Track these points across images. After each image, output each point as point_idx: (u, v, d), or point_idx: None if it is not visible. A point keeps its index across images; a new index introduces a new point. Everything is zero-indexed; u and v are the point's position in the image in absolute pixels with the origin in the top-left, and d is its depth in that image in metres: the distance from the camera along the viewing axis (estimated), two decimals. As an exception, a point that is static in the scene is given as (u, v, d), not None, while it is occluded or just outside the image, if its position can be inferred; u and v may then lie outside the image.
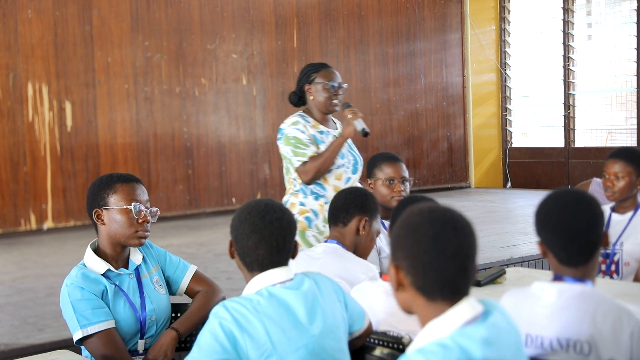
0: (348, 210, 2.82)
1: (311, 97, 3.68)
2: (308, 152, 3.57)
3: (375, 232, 2.88)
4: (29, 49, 7.45)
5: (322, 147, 3.61)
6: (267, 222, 1.95)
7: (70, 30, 7.68)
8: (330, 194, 3.53)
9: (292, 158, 3.60)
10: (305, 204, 3.55)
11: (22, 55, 7.42)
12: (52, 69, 7.56)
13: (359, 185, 3.64)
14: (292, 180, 3.66)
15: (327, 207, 3.21)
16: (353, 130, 3.55)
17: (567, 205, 1.90)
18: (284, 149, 3.63)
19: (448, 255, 1.49)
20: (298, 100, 3.75)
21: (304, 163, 3.56)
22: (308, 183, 3.57)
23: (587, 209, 1.90)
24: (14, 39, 7.38)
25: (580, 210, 1.89)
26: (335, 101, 3.67)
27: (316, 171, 3.54)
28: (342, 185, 3.58)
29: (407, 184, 3.41)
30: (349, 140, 3.72)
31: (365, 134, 3.53)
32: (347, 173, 3.64)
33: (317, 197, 3.58)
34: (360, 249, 2.85)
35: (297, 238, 3.51)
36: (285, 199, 3.69)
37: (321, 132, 3.67)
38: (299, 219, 3.53)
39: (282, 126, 3.69)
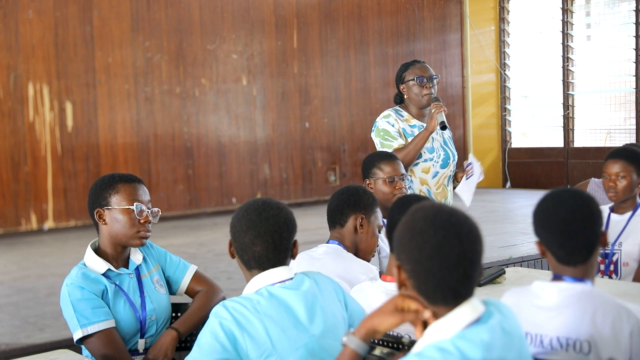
0: (342, 210, 2.82)
1: (406, 96, 3.86)
2: (394, 144, 3.74)
3: (377, 227, 2.87)
4: (29, 50, 7.45)
5: (410, 140, 3.78)
6: (263, 219, 1.97)
7: (71, 30, 7.68)
8: (417, 185, 3.73)
9: (379, 149, 3.76)
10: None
11: (23, 55, 7.43)
12: (52, 70, 7.57)
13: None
14: None
15: None
16: (437, 124, 3.68)
17: (565, 203, 1.91)
18: (375, 140, 3.83)
19: (451, 264, 1.47)
20: (401, 100, 3.92)
21: None
22: None
23: (584, 206, 1.91)
24: (14, 39, 7.38)
25: (577, 208, 1.90)
26: (426, 92, 3.80)
27: None
28: (429, 179, 3.75)
29: (406, 180, 3.43)
30: (446, 136, 3.88)
31: (443, 126, 3.67)
32: (435, 167, 3.77)
33: None
34: (362, 247, 2.84)
35: None
36: None
37: (412, 126, 3.82)
38: None
39: (376, 119, 3.89)
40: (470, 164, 3.80)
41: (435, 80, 3.84)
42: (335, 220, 2.84)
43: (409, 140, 3.76)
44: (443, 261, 1.47)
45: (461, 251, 1.48)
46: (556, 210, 1.90)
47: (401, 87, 3.88)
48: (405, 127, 3.80)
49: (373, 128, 3.88)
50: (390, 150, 3.71)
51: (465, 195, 3.80)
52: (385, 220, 3.32)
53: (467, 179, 3.76)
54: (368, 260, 2.89)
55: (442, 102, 3.77)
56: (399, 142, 3.74)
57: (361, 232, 2.81)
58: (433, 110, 3.70)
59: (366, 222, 2.81)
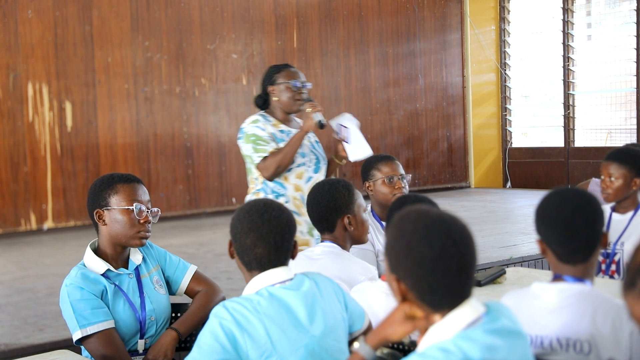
0: (327, 218, 2.77)
1: (275, 98, 3.64)
2: (268, 148, 3.52)
3: (363, 212, 2.84)
4: (29, 49, 7.45)
5: (282, 145, 3.56)
6: (265, 220, 1.96)
7: (71, 30, 7.68)
8: (291, 192, 3.53)
9: (252, 155, 3.55)
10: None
11: (23, 55, 7.42)
12: (52, 69, 7.56)
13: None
14: (254, 180, 3.63)
15: (287, 205, 3.15)
16: (313, 124, 3.49)
17: (567, 201, 1.91)
18: (245, 147, 3.59)
19: (454, 272, 1.47)
20: (263, 103, 3.70)
21: (265, 159, 3.52)
22: (270, 179, 3.53)
23: (586, 205, 1.91)
24: (14, 39, 7.38)
25: (579, 207, 1.90)
26: (299, 101, 3.62)
27: (277, 166, 3.49)
28: (303, 184, 3.56)
29: (405, 180, 3.42)
30: (313, 139, 3.70)
31: (321, 126, 3.47)
32: (308, 172, 3.60)
33: (278, 195, 3.53)
34: (357, 238, 2.83)
35: None
36: (246, 198, 3.62)
37: (282, 131, 3.62)
38: None
39: (242, 125, 3.65)
40: (339, 127, 3.61)
41: (306, 88, 3.66)
42: (323, 228, 2.80)
43: (280, 145, 3.56)
44: (445, 272, 1.47)
45: (460, 257, 1.48)
46: (558, 208, 1.90)
47: (270, 89, 3.66)
48: (274, 131, 3.61)
49: (240, 135, 3.63)
50: (266, 154, 3.52)
51: (361, 151, 3.58)
52: (383, 222, 3.33)
53: (348, 142, 3.57)
54: (366, 241, 2.88)
55: (315, 102, 3.60)
56: (272, 146, 3.55)
57: (352, 229, 2.79)
58: (308, 109, 3.53)
59: (353, 218, 2.78)
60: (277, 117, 3.65)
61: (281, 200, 3.50)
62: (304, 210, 3.29)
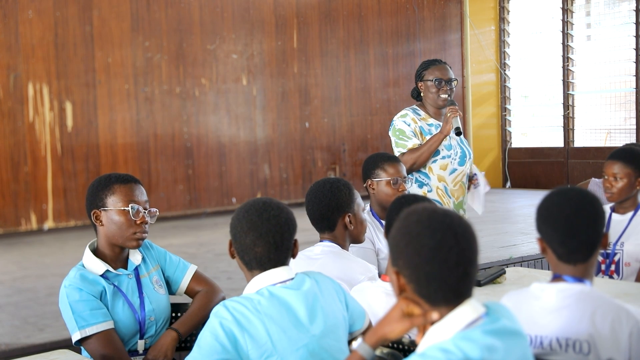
0: (329, 217, 2.77)
1: (423, 94, 3.90)
2: (408, 144, 3.79)
3: (362, 211, 2.86)
4: (29, 50, 7.45)
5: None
6: (264, 220, 1.96)
7: (71, 30, 7.68)
8: (434, 182, 3.78)
9: (394, 148, 3.83)
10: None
11: (23, 55, 7.42)
12: (52, 70, 7.57)
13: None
14: None
15: (429, 195, 3.63)
16: (452, 127, 3.75)
17: (569, 201, 1.91)
18: (392, 139, 3.87)
19: (451, 265, 1.48)
20: (418, 95, 3.95)
21: (402, 154, 3.77)
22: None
23: (588, 205, 1.91)
24: (14, 39, 7.38)
25: (581, 206, 1.90)
26: (443, 96, 3.84)
27: (412, 163, 3.75)
28: (447, 175, 3.80)
29: (407, 182, 3.43)
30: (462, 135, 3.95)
31: (457, 132, 3.75)
32: (453, 164, 3.83)
33: (422, 185, 3.79)
34: (356, 235, 2.84)
35: None
36: None
37: (430, 125, 3.86)
38: None
39: (394, 118, 3.93)
40: (475, 174, 3.91)
41: (453, 84, 3.87)
42: (324, 227, 2.80)
43: (427, 138, 3.81)
44: (442, 262, 1.48)
45: (459, 250, 1.49)
46: (560, 207, 1.91)
47: (419, 85, 3.91)
48: (423, 125, 3.85)
49: (390, 126, 3.91)
50: (404, 150, 3.77)
51: (476, 205, 3.93)
52: (383, 222, 3.33)
53: (474, 188, 3.90)
54: (363, 241, 2.90)
55: (457, 106, 3.82)
56: (413, 142, 3.79)
57: (352, 228, 2.79)
58: (449, 114, 3.75)
59: (353, 217, 2.79)
60: (428, 111, 3.91)
61: (424, 189, 3.79)
62: (447, 200, 3.76)
